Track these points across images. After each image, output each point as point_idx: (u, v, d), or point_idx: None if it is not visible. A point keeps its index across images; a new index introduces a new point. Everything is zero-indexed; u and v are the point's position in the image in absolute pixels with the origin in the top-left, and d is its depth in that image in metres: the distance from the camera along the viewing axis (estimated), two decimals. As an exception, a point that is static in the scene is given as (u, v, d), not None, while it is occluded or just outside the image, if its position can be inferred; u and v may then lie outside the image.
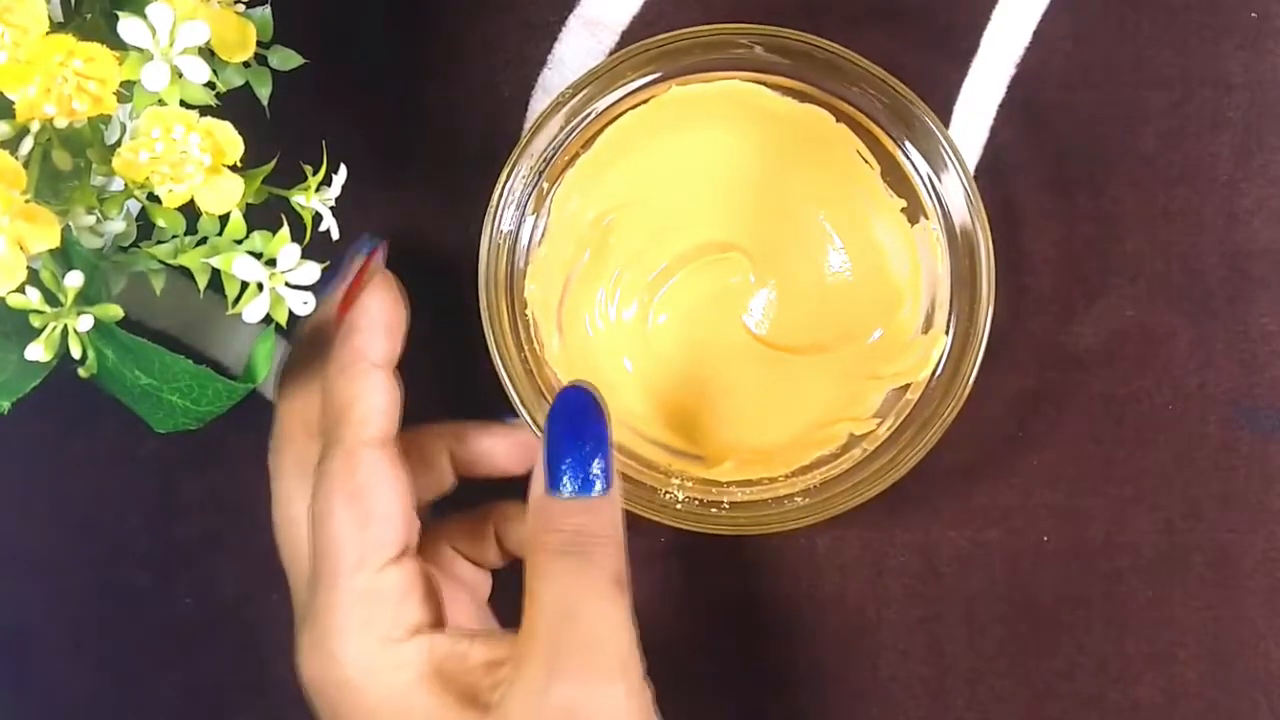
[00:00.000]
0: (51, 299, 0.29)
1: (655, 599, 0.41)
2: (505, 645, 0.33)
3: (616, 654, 0.32)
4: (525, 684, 0.32)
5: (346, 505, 0.33)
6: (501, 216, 0.38)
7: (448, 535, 0.38)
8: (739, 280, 0.39)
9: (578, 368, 0.39)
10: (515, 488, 0.37)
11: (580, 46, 0.42)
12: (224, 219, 0.32)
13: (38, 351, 0.29)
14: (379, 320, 0.35)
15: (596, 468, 0.34)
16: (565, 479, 0.34)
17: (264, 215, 0.32)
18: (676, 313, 0.40)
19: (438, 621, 0.34)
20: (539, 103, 0.41)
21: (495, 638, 0.34)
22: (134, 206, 0.33)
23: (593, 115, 0.39)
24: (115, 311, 0.30)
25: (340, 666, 0.33)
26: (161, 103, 0.30)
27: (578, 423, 0.34)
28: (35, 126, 0.29)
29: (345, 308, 0.36)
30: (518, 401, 0.37)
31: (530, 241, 0.39)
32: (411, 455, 0.36)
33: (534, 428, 0.37)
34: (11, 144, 0.29)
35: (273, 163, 0.32)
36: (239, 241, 0.32)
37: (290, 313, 0.32)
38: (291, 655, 0.34)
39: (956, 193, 0.38)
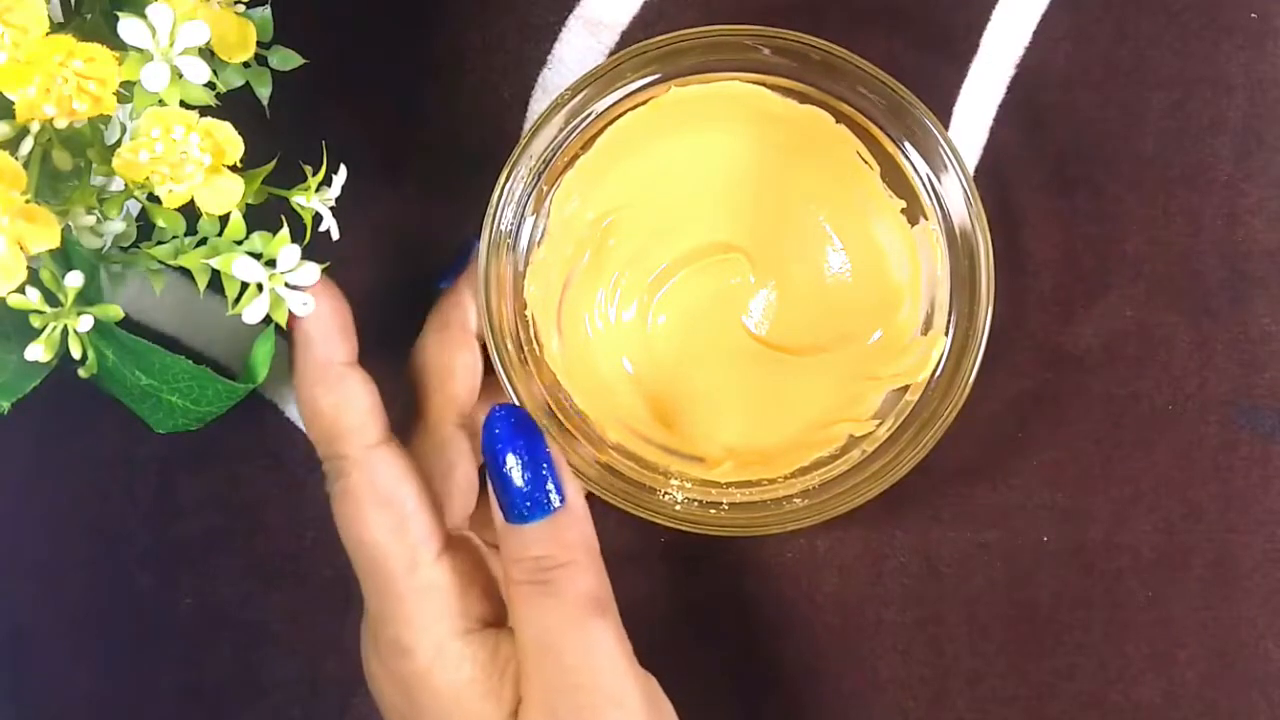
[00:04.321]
0: (51, 299, 0.29)
1: (654, 599, 0.41)
2: None
3: (602, 685, 0.32)
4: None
5: (379, 513, 0.33)
6: (501, 217, 0.38)
7: (469, 525, 0.38)
8: (738, 281, 0.39)
9: (577, 368, 0.39)
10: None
11: (580, 47, 0.42)
12: (224, 219, 0.32)
13: (38, 351, 0.29)
14: (332, 323, 0.34)
15: (546, 485, 0.33)
16: (517, 505, 0.33)
17: (264, 215, 0.32)
18: (676, 313, 0.40)
19: (503, 614, 0.34)
20: (539, 103, 0.41)
21: None
22: (134, 206, 0.33)
23: (592, 116, 0.38)
24: (115, 311, 0.30)
25: (416, 660, 0.33)
26: (161, 103, 0.30)
27: (513, 445, 0.34)
28: (35, 127, 0.29)
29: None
30: (518, 404, 0.37)
31: (530, 242, 0.39)
32: (484, 517, 0.36)
33: None
34: (11, 144, 0.29)
35: (273, 163, 0.32)
36: (239, 242, 0.32)
37: (291, 313, 0.32)
38: (349, 636, 0.35)
39: (956, 194, 0.38)
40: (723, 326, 0.39)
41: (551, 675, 0.32)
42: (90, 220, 0.32)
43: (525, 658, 0.33)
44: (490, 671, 0.33)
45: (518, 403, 0.37)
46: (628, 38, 0.42)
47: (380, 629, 0.34)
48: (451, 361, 0.36)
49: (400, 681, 0.33)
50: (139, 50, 0.29)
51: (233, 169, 0.31)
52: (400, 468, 0.34)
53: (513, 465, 0.33)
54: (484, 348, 0.37)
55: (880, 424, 0.39)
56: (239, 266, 0.31)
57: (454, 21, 0.42)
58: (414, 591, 0.33)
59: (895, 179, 0.39)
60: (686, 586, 0.41)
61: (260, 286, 0.31)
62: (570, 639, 0.32)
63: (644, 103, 0.39)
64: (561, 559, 0.33)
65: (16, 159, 0.29)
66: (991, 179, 0.41)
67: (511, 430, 0.34)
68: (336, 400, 0.34)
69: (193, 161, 0.30)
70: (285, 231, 0.32)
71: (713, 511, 0.38)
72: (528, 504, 0.33)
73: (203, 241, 0.32)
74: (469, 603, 0.33)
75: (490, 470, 0.34)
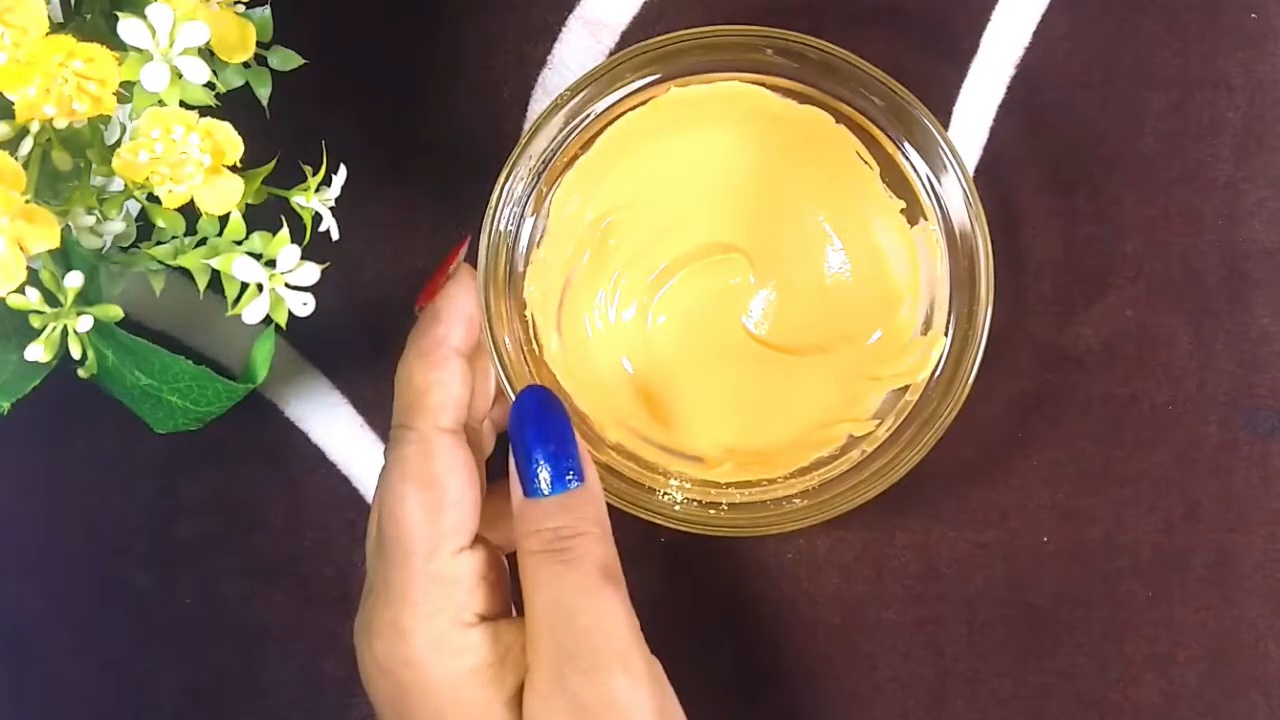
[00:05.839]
0: (51, 299, 0.29)
1: (654, 599, 0.41)
2: None
3: (613, 648, 0.33)
4: (538, 689, 0.33)
5: (420, 492, 0.34)
6: (501, 217, 0.38)
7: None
8: (738, 281, 0.39)
9: (577, 368, 0.39)
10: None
11: (580, 47, 0.42)
12: (224, 219, 0.32)
13: (38, 351, 0.29)
14: (463, 311, 0.36)
15: (567, 463, 0.34)
16: (539, 480, 0.34)
17: (264, 216, 0.32)
18: (676, 314, 0.40)
19: (505, 609, 0.35)
20: (539, 103, 0.41)
21: None
22: (134, 207, 0.33)
23: (592, 116, 0.39)
24: (115, 312, 0.30)
25: (410, 646, 0.33)
26: (161, 103, 0.30)
27: (539, 423, 0.35)
28: (35, 127, 0.29)
29: (429, 296, 0.36)
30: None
31: (530, 242, 0.39)
32: (486, 514, 0.36)
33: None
34: (11, 144, 0.29)
35: (273, 163, 0.32)
36: (239, 242, 0.32)
37: (291, 313, 0.32)
38: (349, 636, 0.35)
39: (955, 194, 0.38)
40: (723, 326, 0.39)
41: (563, 638, 0.33)
42: (90, 220, 0.32)
43: (536, 624, 0.33)
44: (491, 660, 0.33)
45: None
46: (628, 38, 0.42)
47: (381, 609, 0.34)
48: (428, 377, 0.36)
49: (391, 670, 0.34)
50: (139, 50, 0.29)
51: (233, 169, 0.31)
52: (458, 458, 0.34)
53: (538, 442, 0.34)
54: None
55: (880, 424, 0.39)
56: (239, 267, 0.31)
57: (454, 21, 0.42)
58: (425, 576, 0.33)
59: (895, 179, 0.39)
60: (686, 586, 0.41)
61: (260, 287, 0.31)
62: (585, 602, 0.33)
63: (644, 103, 0.39)
64: (579, 529, 0.34)
65: (16, 159, 0.29)
66: (991, 178, 0.41)
67: (539, 408, 0.35)
68: (432, 377, 0.35)
69: (193, 161, 0.30)
70: (285, 231, 0.32)
71: (712, 512, 0.38)
72: (551, 478, 0.34)
73: (203, 241, 0.32)
74: (475, 599, 0.34)
75: (514, 445, 0.35)
